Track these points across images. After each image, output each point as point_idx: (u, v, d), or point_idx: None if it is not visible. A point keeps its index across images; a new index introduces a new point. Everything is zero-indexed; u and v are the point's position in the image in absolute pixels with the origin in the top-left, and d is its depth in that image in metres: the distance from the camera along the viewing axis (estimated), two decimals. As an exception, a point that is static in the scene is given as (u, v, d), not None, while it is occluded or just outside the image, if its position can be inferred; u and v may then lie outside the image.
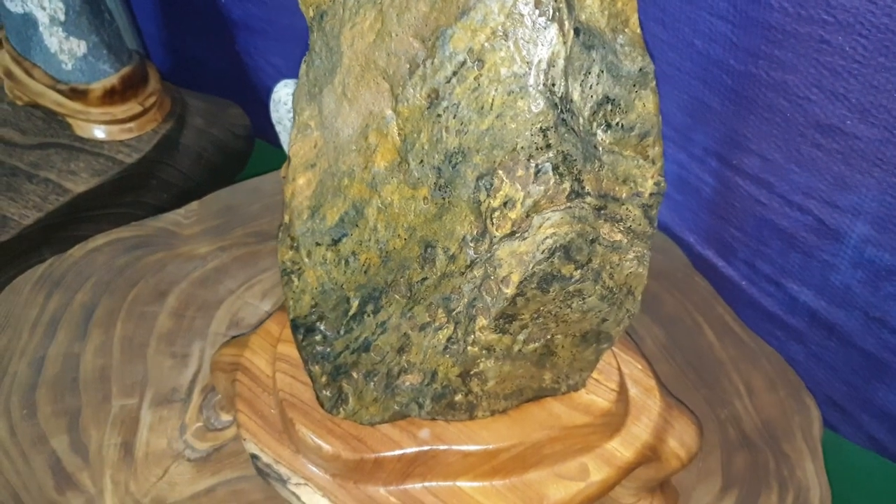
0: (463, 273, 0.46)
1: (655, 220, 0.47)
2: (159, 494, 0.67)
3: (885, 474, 0.83)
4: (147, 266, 0.84)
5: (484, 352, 0.48)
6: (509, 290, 0.44)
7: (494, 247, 0.43)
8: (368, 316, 0.51)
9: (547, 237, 0.42)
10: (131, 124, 0.99)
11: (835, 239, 0.74)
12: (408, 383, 0.52)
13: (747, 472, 0.67)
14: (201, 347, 0.77)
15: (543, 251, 0.42)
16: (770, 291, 0.83)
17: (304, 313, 0.53)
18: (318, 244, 0.51)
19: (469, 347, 0.48)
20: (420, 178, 0.44)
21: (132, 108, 0.99)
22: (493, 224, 0.43)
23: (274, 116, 0.82)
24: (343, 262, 0.50)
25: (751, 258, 0.82)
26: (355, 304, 0.51)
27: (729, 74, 0.70)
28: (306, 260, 0.52)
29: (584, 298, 0.47)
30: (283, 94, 0.79)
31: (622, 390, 0.57)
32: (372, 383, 0.53)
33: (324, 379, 0.54)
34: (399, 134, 0.44)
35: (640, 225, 0.46)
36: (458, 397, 0.52)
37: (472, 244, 0.44)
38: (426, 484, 0.55)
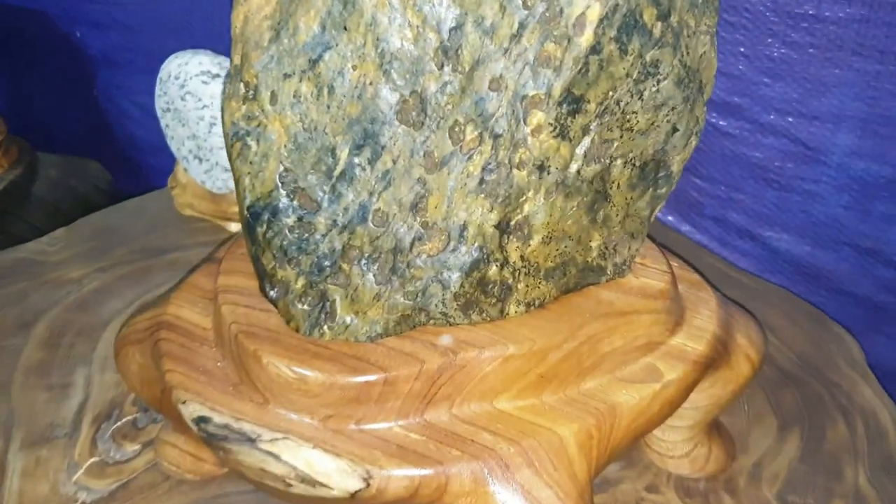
0: (507, 49, 0.34)
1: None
2: (47, 553, 0.47)
3: None
4: (4, 298, 0.65)
5: (534, 177, 0.36)
6: (584, 39, 0.32)
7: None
8: (363, 168, 0.37)
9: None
10: (-32, 169, 0.82)
11: (814, 161, 0.68)
12: (425, 256, 0.38)
13: (802, 408, 0.56)
14: (86, 374, 0.59)
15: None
16: (745, 249, 0.75)
17: (269, 189, 0.39)
18: (287, 76, 0.37)
19: (515, 171, 0.36)
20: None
21: (-31, 150, 0.82)
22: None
23: (160, 103, 0.68)
24: (326, 90, 0.37)
25: (722, 212, 0.74)
26: (344, 152, 0.37)
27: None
28: (269, 107, 0.38)
29: (658, 80, 0.36)
30: (172, 67, 0.66)
31: (674, 274, 0.46)
32: (371, 272, 0.39)
33: (300, 284, 0.39)
34: None
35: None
36: (493, 271, 0.39)
37: (520, -5, 0.33)
38: (455, 410, 0.40)
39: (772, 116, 0.67)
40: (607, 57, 0.34)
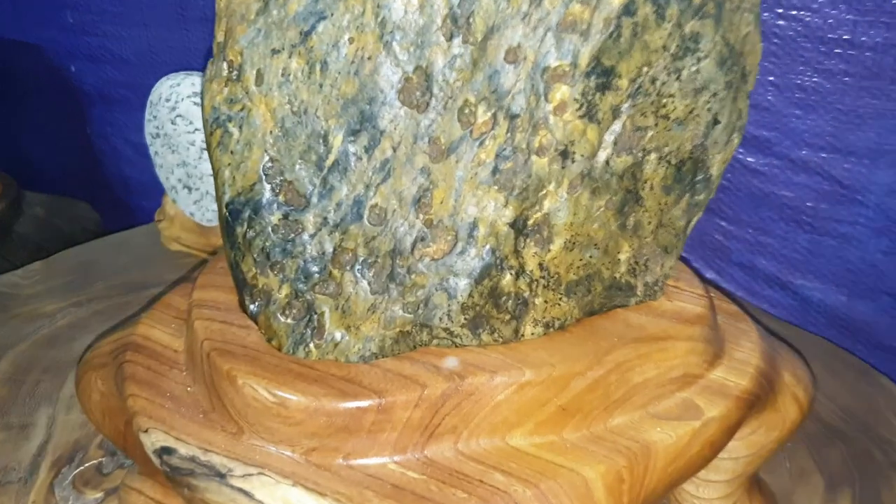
0: (526, 14, 0.30)
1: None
2: None
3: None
4: (-34, 332, 0.60)
5: (556, 165, 0.31)
6: (616, -6, 0.28)
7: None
8: (359, 157, 0.32)
9: None
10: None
11: (850, 200, 0.63)
12: (428, 259, 0.33)
13: (850, 466, 0.49)
14: (49, 414, 0.53)
15: None
16: (775, 299, 0.70)
17: (251, 182, 0.34)
18: (275, 52, 0.33)
19: (535, 158, 0.31)
20: None
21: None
22: None
23: (150, 128, 0.64)
24: (319, 66, 0.32)
25: (750, 258, 0.69)
26: (337, 138, 0.33)
27: None
28: (254, 88, 0.33)
29: (699, 59, 0.31)
30: (164, 89, 0.62)
31: (712, 299, 0.40)
32: (366, 279, 0.33)
33: (284, 293, 0.34)
34: None
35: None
36: (506, 280, 0.33)
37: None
38: (462, 446, 0.34)
39: (804, 152, 0.62)
40: (642, 21, 0.29)
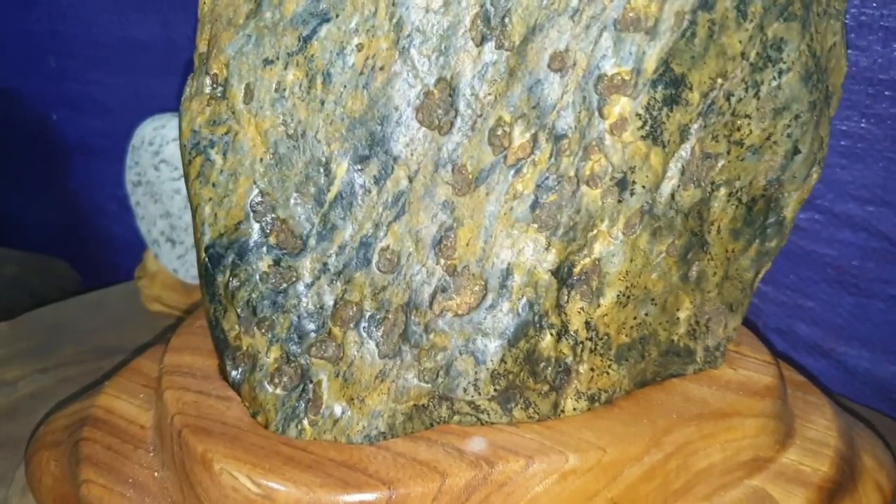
0: (576, 10, 0.24)
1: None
2: None
3: None
4: (-89, 403, 0.53)
5: (611, 198, 0.25)
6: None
7: None
8: (367, 190, 0.27)
9: None
10: None
11: (902, 259, 0.57)
12: (450, 315, 0.27)
13: (929, 563, 0.42)
14: (2, 497, 0.46)
15: None
16: (817, 368, 0.63)
17: (236, 221, 0.28)
18: (268, 62, 0.27)
19: (585, 189, 0.25)
20: None
21: None
22: None
23: (131, 175, 0.59)
24: (320, 79, 0.27)
25: (788, 323, 0.63)
26: (341, 167, 0.27)
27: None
28: (242, 107, 0.28)
29: (781, 71, 0.26)
30: (147, 131, 0.57)
31: (780, 367, 0.34)
32: (374, 339, 0.27)
33: (273, 357, 0.28)
34: None
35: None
36: (546, 342, 0.27)
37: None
38: (491, 550, 0.27)
39: (849, 205, 0.57)
40: (720, 19, 0.24)
